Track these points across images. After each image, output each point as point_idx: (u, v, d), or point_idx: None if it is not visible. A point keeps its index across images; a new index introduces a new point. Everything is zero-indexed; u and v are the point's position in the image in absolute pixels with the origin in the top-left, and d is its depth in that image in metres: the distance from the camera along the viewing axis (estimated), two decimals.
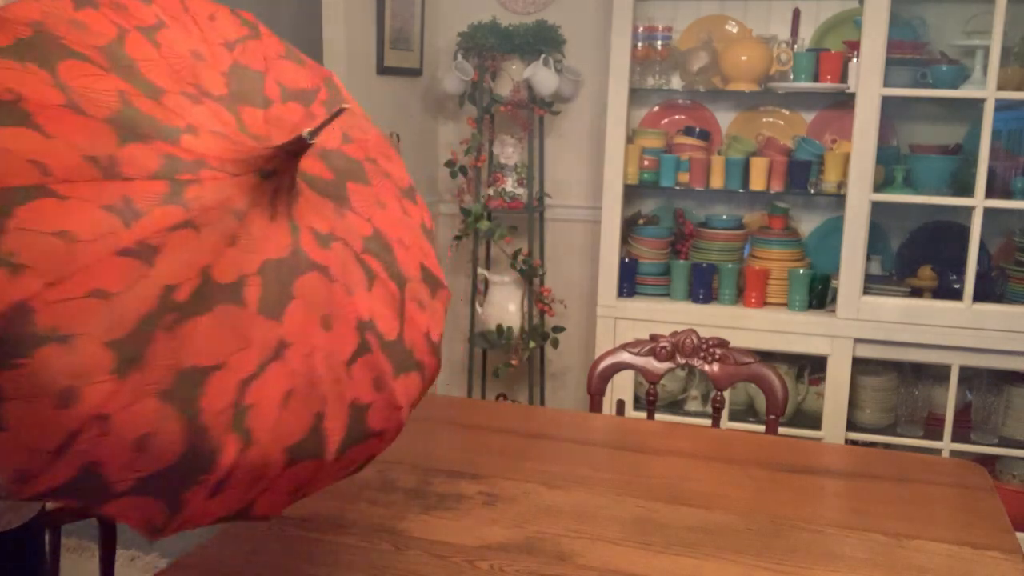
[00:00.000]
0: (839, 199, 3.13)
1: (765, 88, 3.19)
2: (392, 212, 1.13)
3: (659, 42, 3.26)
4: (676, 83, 3.32)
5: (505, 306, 3.52)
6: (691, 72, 3.24)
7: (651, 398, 2.31)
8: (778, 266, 3.17)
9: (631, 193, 3.41)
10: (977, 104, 2.91)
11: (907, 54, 2.99)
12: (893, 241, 3.30)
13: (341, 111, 0.90)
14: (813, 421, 3.16)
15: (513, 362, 3.45)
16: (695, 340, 2.24)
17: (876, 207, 3.00)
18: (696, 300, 3.21)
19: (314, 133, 0.89)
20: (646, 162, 3.28)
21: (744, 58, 3.13)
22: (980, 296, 2.95)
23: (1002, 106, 2.89)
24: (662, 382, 2.64)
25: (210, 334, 0.87)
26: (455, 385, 4.02)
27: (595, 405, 2.26)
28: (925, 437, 3.09)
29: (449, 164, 3.51)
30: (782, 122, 3.38)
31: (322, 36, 3.01)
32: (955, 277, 3.07)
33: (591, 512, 1.63)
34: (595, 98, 3.61)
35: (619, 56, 3.14)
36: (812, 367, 3.25)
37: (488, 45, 3.38)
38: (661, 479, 1.79)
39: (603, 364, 2.26)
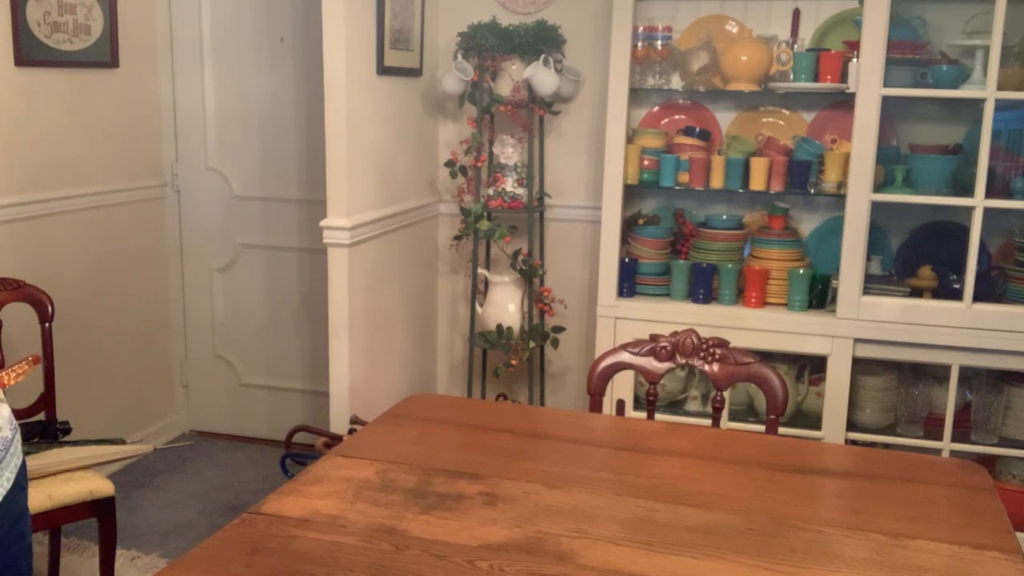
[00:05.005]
0: (839, 199, 3.13)
1: (765, 88, 3.19)
2: None
3: (659, 42, 3.26)
4: (676, 83, 3.32)
5: (505, 306, 3.52)
6: (691, 72, 3.24)
7: (651, 398, 2.31)
8: (778, 266, 3.17)
9: (631, 193, 3.41)
10: (977, 104, 2.91)
11: (907, 54, 2.99)
12: (893, 241, 3.30)
13: None
14: (813, 421, 3.16)
15: (513, 362, 3.45)
16: (695, 340, 2.24)
17: (876, 207, 3.00)
18: (696, 300, 3.21)
19: None
20: (646, 162, 3.28)
21: (744, 58, 3.13)
22: (980, 296, 2.95)
23: (1002, 106, 2.89)
24: (662, 382, 2.64)
25: None
26: (455, 385, 4.02)
27: (595, 405, 2.26)
28: (925, 437, 3.09)
29: (449, 164, 3.51)
30: (782, 122, 3.38)
31: (322, 36, 3.01)
32: (955, 277, 3.06)
33: (591, 512, 1.63)
34: (595, 98, 3.61)
35: (619, 56, 3.14)
36: (812, 367, 3.25)
37: (488, 45, 3.38)
38: (661, 479, 1.79)
39: (603, 364, 2.26)
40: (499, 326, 3.48)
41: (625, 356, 2.27)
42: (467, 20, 3.49)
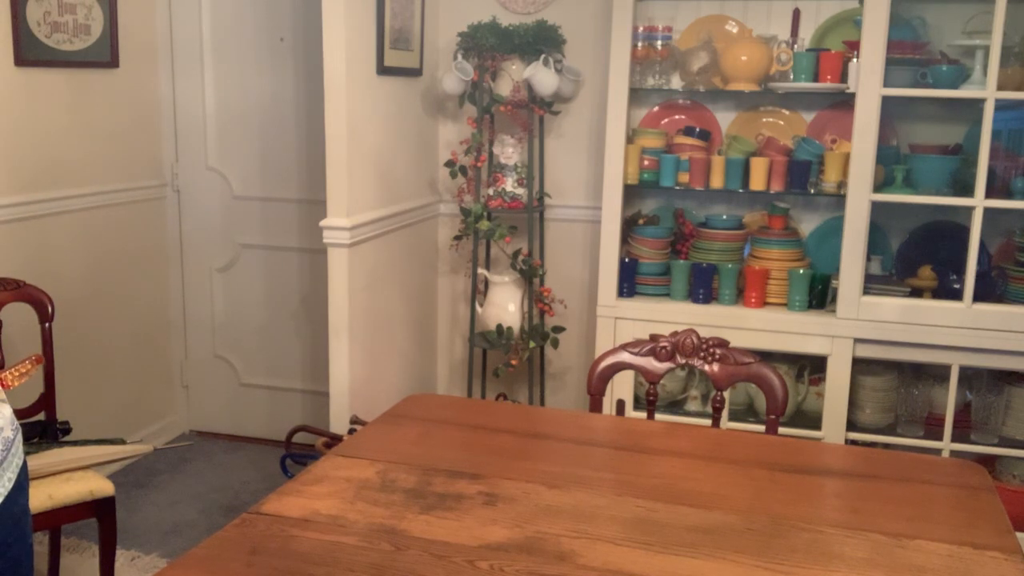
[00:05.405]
0: (839, 199, 3.13)
1: (765, 88, 3.19)
2: None
3: (659, 42, 3.26)
4: (676, 83, 3.32)
5: (505, 306, 3.52)
6: (691, 72, 3.24)
7: (651, 398, 2.31)
8: (778, 266, 3.17)
9: (631, 193, 3.41)
10: (977, 104, 2.91)
11: (907, 54, 2.99)
12: (893, 241, 3.30)
13: None
14: (813, 421, 3.16)
15: (513, 362, 3.45)
16: (695, 340, 2.24)
17: (876, 207, 3.00)
18: (696, 300, 3.21)
19: None
20: (646, 162, 3.28)
21: (744, 58, 3.13)
22: (980, 296, 2.95)
23: (1002, 106, 2.89)
24: (662, 382, 2.64)
25: None
26: (455, 385, 4.02)
27: (595, 405, 2.26)
28: (925, 437, 3.09)
29: (449, 164, 3.51)
30: (782, 122, 3.38)
31: (322, 36, 3.01)
32: (955, 277, 3.06)
33: (591, 512, 1.63)
34: (595, 98, 3.61)
35: (619, 56, 3.14)
36: (812, 367, 3.25)
37: (488, 45, 3.38)
38: (661, 479, 1.79)
39: (603, 364, 2.26)
40: (499, 326, 3.48)
41: (625, 356, 2.27)
42: (467, 20, 3.49)
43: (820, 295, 3.17)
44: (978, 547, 1.55)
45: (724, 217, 3.37)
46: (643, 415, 2.39)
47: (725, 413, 3.02)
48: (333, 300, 3.15)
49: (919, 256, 3.20)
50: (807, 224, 3.41)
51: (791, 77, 3.15)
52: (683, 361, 2.25)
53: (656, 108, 3.49)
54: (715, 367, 2.22)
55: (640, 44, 3.25)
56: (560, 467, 1.83)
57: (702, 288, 3.19)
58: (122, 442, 2.72)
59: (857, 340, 3.03)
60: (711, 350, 2.23)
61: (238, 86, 3.88)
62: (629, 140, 3.28)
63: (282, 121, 3.86)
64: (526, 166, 3.48)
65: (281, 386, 4.08)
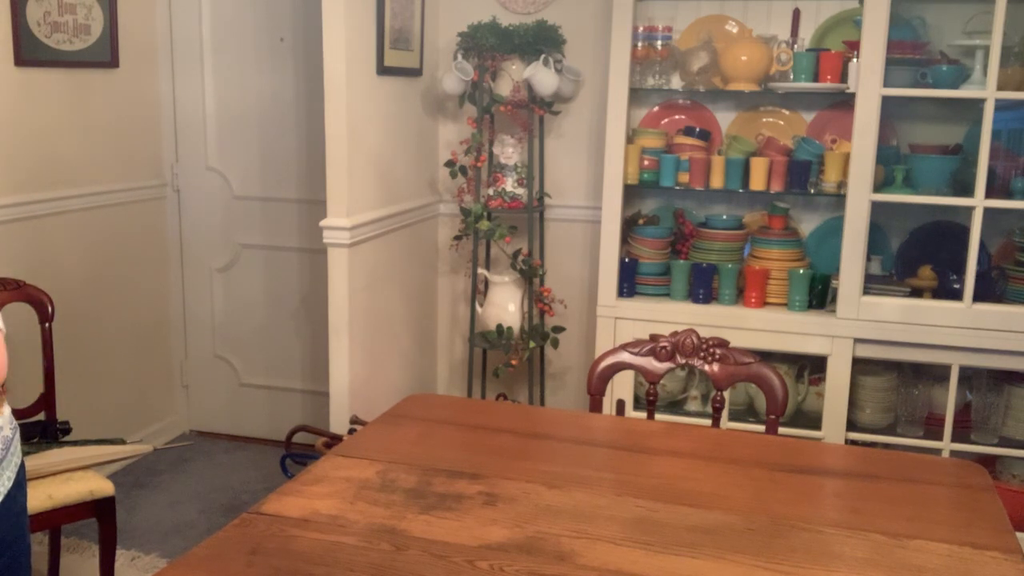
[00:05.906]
0: (839, 199, 3.13)
1: (765, 88, 3.19)
2: None
3: (659, 42, 3.26)
4: (676, 83, 3.32)
5: (505, 306, 3.52)
6: (691, 72, 3.24)
7: (651, 398, 2.31)
8: (778, 266, 3.17)
9: (631, 193, 3.41)
10: (977, 104, 2.91)
11: (907, 54, 2.99)
12: (893, 241, 3.30)
13: None
14: (813, 421, 3.16)
15: (513, 362, 3.45)
16: (695, 340, 2.24)
17: (876, 207, 3.00)
18: (696, 300, 3.21)
19: None
20: (646, 162, 3.28)
21: (744, 58, 3.13)
22: (980, 296, 2.95)
23: (1002, 106, 2.89)
24: (662, 382, 2.64)
25: None
26: (455, 385, 4.02)
27: (595, 405, 2.26)
28: (925, 437, 3.09)
29: (449, 164, 3.51)
30: (782, 122, 3.38)
31: (322, 36, 3.01)
32: (955, 277, 3.07)
33: (591, 512, 1.63)
34: (595, 98, 3.61)
35: (619, 56, 3.14)
36: (812, 367, 3.25)
37: (488, 45, 3.38)
38: (661, 479, 1.79)
39: (603, 364, 2.26)
40: (499, 326, 3.48)
41: (625, 356, 2.27)
42: (467, 20, 3.49)
43: (820, 295, 3.17)
44: (978, 547, 1.55)
45: (724, 217, 3.37)
46: (643, 415, 2.39)
47: (725, 413, 3.02)
48: (333, 300, 3.15)
49: (919, 256, 3.19)
50: (807, 224, 3.42)
51: (791, 77, 3.15)
52: (683, 361, 2.25)
53: (656, 108, 3.49)
54: (715, 367, 2.22)
55: (640, 44, 3.25)
56: (560, 467, 1.83)
57: (702, 288, 3.19)
58: (122, 442, 2.72)
59: (857, 340, 3.03)
60: (711, 350, 2.23)
61: (238, 86, 3.88)
62: (629, 140, 3.28)
63: (282, 121, 3.86)
64: (526, 166, 3.48)
65: (281, 386, 4.08)
